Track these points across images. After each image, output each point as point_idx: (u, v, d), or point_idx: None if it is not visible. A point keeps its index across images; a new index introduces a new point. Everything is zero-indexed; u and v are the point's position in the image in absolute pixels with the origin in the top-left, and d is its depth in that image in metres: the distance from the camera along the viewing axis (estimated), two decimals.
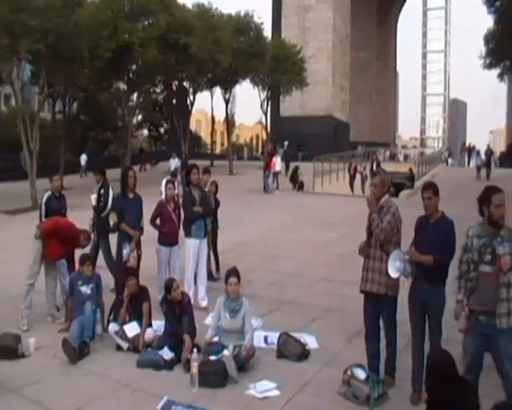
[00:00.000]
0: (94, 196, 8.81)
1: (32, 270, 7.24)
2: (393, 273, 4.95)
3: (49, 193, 8.16)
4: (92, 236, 8.20)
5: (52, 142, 32.31)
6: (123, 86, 30.82)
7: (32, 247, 7.30)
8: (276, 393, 5.30)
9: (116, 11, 25.82)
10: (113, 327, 6.49)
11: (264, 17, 39.55)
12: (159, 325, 6.67)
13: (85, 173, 34.69)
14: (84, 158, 37.52)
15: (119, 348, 6.35)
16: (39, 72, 23.64)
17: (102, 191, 8.74)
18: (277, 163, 26.16)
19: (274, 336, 6.51)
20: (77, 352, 6.03)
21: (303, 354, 6.13)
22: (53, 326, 7.14)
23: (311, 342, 6.52)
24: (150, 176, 28.66)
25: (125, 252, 7.63)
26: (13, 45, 20.48)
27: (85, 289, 6.88)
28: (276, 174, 25.97)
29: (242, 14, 35.91)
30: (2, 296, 8.39)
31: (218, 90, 37.92)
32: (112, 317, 6.69)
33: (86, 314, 6.48)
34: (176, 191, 8.76)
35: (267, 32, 41.39)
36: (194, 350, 5.57)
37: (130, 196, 7.83)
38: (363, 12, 72.96)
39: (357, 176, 25.51)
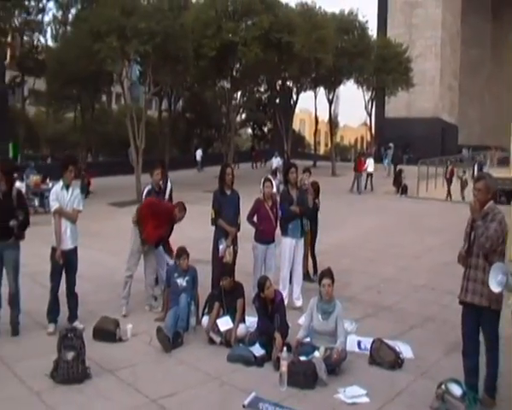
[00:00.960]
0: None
1: (129, 263, 7.57)
2: (495, 287, 4.56)
3: (149, 187, 8.37)
4: None
5: (158, 139, 33.69)
6: (227, 85, 31.49)
7: (130, 239, 7.61)
8: (365, 400, 5.13)
9: (219, 11, 26.44)
10: (206, 320, 6.61)
11: (368, 15, 38.82)
12: (251, 321, 6.69)
13: (201, 168, 35.74)
14: (199, 153, 38.78)
15: (211, 341, 6.45)
16: (146, 72, 24.70)
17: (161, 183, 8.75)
18: (370, 164, 25.87)
19: (367, 342, 6.32)
20: (171, 341, 6.20)
21: (396, 362, 5.89)
22: (150, 315, 7.42)
23: (405, 350, 6.26)
24: (253, 174, 29.04)
25: (221, 247, 7.73)
26: (123, 47, 21.60)
27: (181, 282, 7.05)
28: (369, 175, 25.61)
29: (346, 12, 35.41)
30: (105, 283, 8.84)
31: (321, 91, 37.70)
32: (206, 310, 6.81)
33: (181, 306, 6.64)
34: (274, 190, 8.73)
35: (372, 30, 40.55)
36: (284, 349, 5.53)
37: (228, 192, 7.91)
38: (474, 5, 68.93)
39: (455, 180, 24.50)
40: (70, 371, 5.29)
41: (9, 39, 35.19)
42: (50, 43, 39.46)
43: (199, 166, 37.92)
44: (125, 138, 26.00)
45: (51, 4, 39.51)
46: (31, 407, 4.91)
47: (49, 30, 39.64)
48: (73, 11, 35.90)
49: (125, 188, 23.70)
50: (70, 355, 5.33)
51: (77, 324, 6.55)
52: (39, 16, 36.05)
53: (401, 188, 24.70)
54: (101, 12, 22.05)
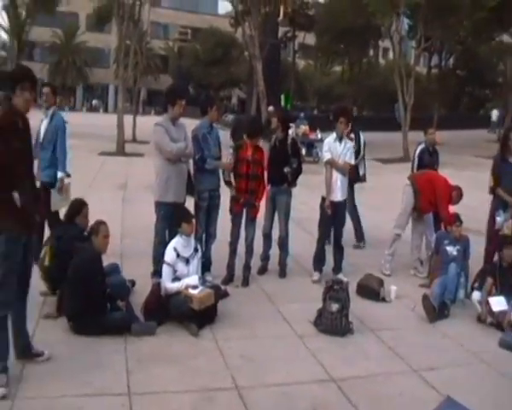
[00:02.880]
0: None
1: (399, 221, 7.31)
2: None
3: (422, 146, 8.04)
4: None
5: (426, 96, 32.24)
6: (506, 38, 28.42)
7: (402, 197, 7.31)
8: None
9: None
10: (476, 296, 6.04)
11: None
12: None
13: (495, 129, 32.78)
14: (495, 113, 35.98)
15: (479, 318, 5.88)
16: (417, 26, 23.59)
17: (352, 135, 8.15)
18: None
19: None
20: (436, 311, 5.82)
21: None
22: (414, 279, 7.11)
23: None
24: None
25: (498, 219, 6.95)
26: (393, 0, 20.84)
27: (451, 250, 6.54)
28: None
29: None
30: (367, 237, 8.74)
31: None
32: (477, 284, 6.22)
33: (450, 275, 6.16)
34: None
35: None
36: None
37: (510, 159, 7.01)
38: None
39: None
40: (334, 323, 5.32)
41: None
42: None
43: (493, 126, 34.47)
44: (392, 94, 25.48)
45: None
46: (294, 348, 5.08)
47: None
48: None
49: (390, 144, 23.39)
50: (334, 307, 5.36)
51: (341, 276, 6.58)
52: None
53: None
54: None
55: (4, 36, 45.10)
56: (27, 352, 4.45)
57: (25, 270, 4.27)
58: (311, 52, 45.17)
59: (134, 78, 26.71)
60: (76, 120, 40.71)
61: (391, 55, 25.57)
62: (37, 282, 5.28)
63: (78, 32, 59.73)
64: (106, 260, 5.48)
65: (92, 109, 62.53)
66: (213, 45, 52.56)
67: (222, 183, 6.71)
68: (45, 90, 6.71)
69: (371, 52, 48.02)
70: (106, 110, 61.33)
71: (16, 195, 4.04)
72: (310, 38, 40.98)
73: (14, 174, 4.06)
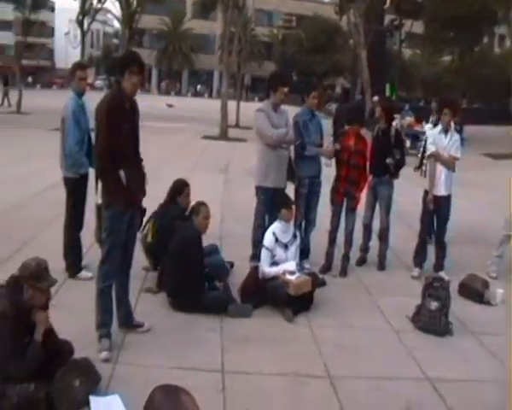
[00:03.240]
0: None
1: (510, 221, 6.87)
2: None
3: None
4: None
5: None
6: None
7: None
8: None
9: None
10: None
11: None
12: None
13: None
14: None
15: None
16: None
17: None
18: None
19: None
20: None
21: None
22: None
23: None
24: None
25: None
26: None
27: None
28: None
29: None
30: (474, 235, 8.36)
31: None
32: None
33: None
34: None
35: None
36: None
37: None
38: None
39: None
40: (432, 321, 5.13)
41: None
42: None
43: None
44: (506, 85, 24.00)
45: None
46: (389, 342, 4.97)
47: None
48: None
49: (502, 139, 22.15)
50: (434, 305, 5.16)
51: (442, 274, 6.31)
52: None
53: None
54: None
55: (117, 24, 47.48)
56: (129, 322, 4.68)
57: (128, 244, 4.48)
58: (418, 41, 43.56)
59: (238, 64, 27.15)
60: (181, 104, 42.41)
61: (508, 42, 24.00)
62: (139, 257, 5.54)
63: (184, 19, 61.60)
64: (205, 241, 5.61)
65: (197, 94, 64.38)
66: (317, 33, 52.19)
67: (324, 170, 6.67)
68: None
69: (485, 40, 45.49)
70: (210, 95, 62.88)
71: (122, 173, 4.24)
72: (417, 27, 39.44)
73: (121, 154, 4.25)
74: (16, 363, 3.41)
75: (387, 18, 35.37)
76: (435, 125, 8.15)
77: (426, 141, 8.17)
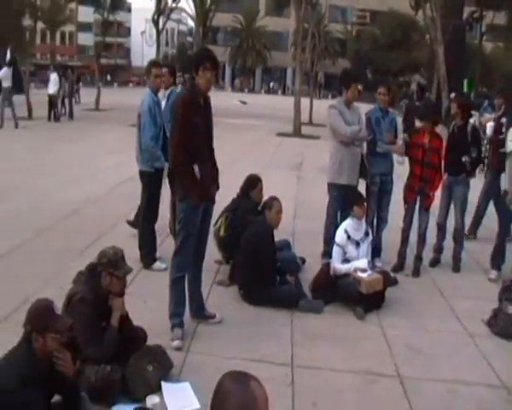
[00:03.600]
0: None
1: None
2: None
3: None
4: None
5: None
6: None
7: None
8: None
9: None
10: None
11: None
12: None
13: None
14: None
15: None
16: None
17: None
18: None
19: None
20: None
21: None
22: None
23: None
24: None
25: None
26: None
27: None
28: None
29: None
30: None
31: None
32: None
33: None
34: None
35: None
36: None
37: None
38: None
39: None
40: (509, 326, 4.92)
41: None
42: None
43: None
44: None
45: None
46: (463, 345, 4.83)
47: None
48: None
49: None
50: (511, 309, 4.97)
51: None
52: None
53: None
54: None
55: (191, 23, 48.37)
56: (201, 313, 4.80)
57: (201, 237, 4.58)
58: (500, 33, 41.76)
59: (311, 61, 27.02)
60: (255, 100, 42.72)
61: None
62: (212, 250, 5.65)
63: (257, 16, 61.94)
64: (277, 237, 5.66)
65: (270, 91, 64.69)
66: (392, 29, 51.08)
67: (396, 167, 6.55)
68: (164, 70, 6.77)
69: None
70: (283, 92, 62.99)
71: (196, 167, 4.34)
72: (500, 18, 37.81)
73: (195, 148, 4.36)
74: (94, 346, 3.57)
75: (466, 10, 34.16)
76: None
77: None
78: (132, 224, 6.80)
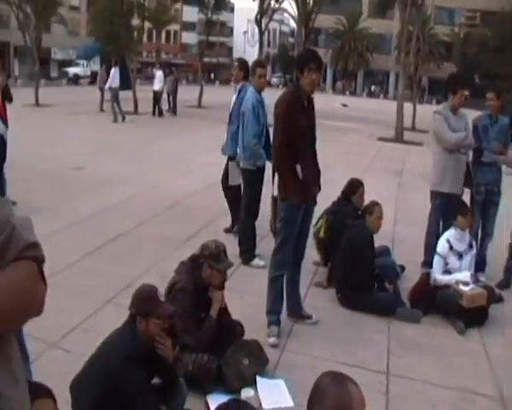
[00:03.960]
0: None
1: None
2: None
3: None
4: None
5: None
6: None
7: None
8: None
9: None
10: None
11: None
12: None
13: None
14: None
15: None
16: None
17: None
18: None
19: None
20: None
21: None
22: None
23: None
24: None
25: None
26: None
27: None
28: None
29: None
30: None
31: None
32: None
33: None
34: None
35: None
36: None
37: None
38: None
39: None
40: None
41: None
42: None
43: None
44: None
45: None
46: None
47: None
48: None
49: None
50: None
51: None
52: None
53: None
54: None
55: (293, 24, 48.54)
56: (298, 312, 4.84)
57: (301, 237, 4.61)
58: None
59: (415, 65, 26.25)
60: (356, 103, 42.18)
61: None
62: (311, 251, 5.67)
63: (360, 18, 61.04)
64: (377, 242, 5.58)
65: (371, 95, 63.61)
66: (505, 30, 48.38)
67: (504, 179, 6.24)
68: (234, 65, 6.78)
69: None
70: (385, 96, 61.74)
71: (299, 168, 4.37)
72: None
73: (298, 149, 4.39)
74: (192, 335, 3.69)
75: None
76: None
77: None
78: (229, 230, 7.01)
